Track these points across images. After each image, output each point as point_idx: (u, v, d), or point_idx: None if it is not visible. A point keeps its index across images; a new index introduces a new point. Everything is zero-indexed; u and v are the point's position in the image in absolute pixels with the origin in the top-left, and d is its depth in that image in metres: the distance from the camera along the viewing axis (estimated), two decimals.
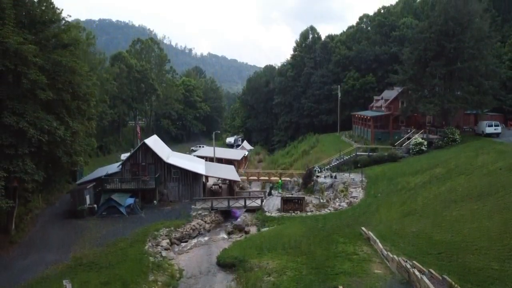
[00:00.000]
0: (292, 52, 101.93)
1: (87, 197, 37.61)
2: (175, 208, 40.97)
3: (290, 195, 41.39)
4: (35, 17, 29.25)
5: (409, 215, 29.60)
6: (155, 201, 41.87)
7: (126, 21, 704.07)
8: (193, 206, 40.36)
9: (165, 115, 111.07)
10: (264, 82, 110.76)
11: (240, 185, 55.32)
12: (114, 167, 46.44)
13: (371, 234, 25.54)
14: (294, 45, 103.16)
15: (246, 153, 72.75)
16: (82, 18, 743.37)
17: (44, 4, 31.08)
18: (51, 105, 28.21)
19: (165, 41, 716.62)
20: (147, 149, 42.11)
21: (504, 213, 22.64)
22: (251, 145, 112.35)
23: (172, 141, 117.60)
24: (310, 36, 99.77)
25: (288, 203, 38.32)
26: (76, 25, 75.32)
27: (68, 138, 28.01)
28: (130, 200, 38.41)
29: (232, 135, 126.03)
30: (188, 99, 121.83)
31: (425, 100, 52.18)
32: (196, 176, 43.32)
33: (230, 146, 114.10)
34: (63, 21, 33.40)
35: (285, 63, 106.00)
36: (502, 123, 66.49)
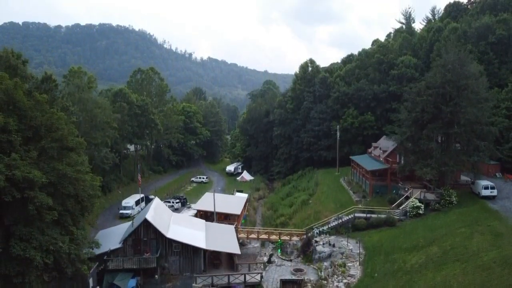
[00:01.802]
0: (292, 86, 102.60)
1: (90, 280, 38.37)
2: (176, 285, 41.79)
3: (290, 278, 42.07)
4: (40, 128, 30.00)
5: None
6: (156, 276, 42.67)
7: (126, 25, 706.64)
8: (194, 284, 41.15)
9: (166, 144, 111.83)
10: (264, 111, 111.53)
11: (240, 241, 56.14)
12: (116, 233, 47.25)
13: None
14: (294, 77, 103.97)
15: (246, 196, 73.40)
16: (83, 22, 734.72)
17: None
18: (56, 220, 28.98)
19: (165, 46, 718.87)
20: (148, 225, 42.91)
21: None
22: (251, 173, 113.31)
23: (173, 168, 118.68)
24: (310, 69, 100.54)
25: (287, 285, 39.09)
26: (79, 70, 76.46)
27: (73, 251, 28.82)
28: (133, 283, 39.20)
29: (232, 162, 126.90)
30: (189, 126, 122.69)
31: (422, 163, 52.93)
32: (196, 249, 44.11)
33: (230, 174, 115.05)
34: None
35: (285, 95, 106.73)
36: (499, 172, 67.60)
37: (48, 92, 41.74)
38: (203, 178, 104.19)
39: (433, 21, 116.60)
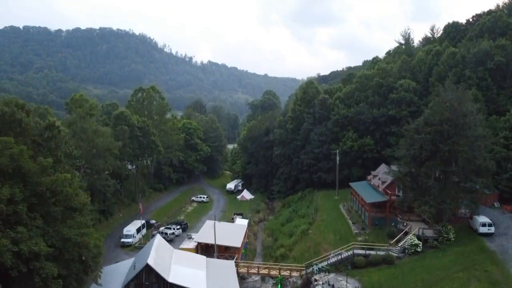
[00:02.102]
0: (292, 107, 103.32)
1: None
2: None
3: None
4: (45, 193, 30.63)
5: None
6: None
7: (126, 29, 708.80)
8: None
9: (166, 163, 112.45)
10: (264, 130, 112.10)
11: (241, 275, 56.78)
12: (118, 273, 47.84)
13: None
14: (294, 97, 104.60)
15: (246, 223, 73.96)
16: (83, 26, 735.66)
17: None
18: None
19: (165, 49, 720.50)
20: (150, 270, 43.48)
21: None
22: (251, 191, 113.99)
23: (173, 185, 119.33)
24: (310, 90, 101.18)
25: None
26: (80, 98, 77.18)
27: None
28: None
29: (232, 179, 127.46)
30: (189, 142, 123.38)
31: (421, 201, 53.55)
32: None
33: (231, 192, 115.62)
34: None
35: (285, 115, 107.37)
36: (497, 201, 68.18)
37: (51, 139, 42.33)
38: (204, 197, 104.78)
39: (432, 38, 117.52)
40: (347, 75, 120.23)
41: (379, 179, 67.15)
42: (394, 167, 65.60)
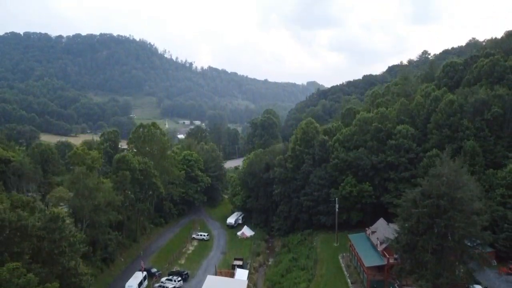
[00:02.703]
0: (292, 146, 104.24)
1: None
2: None
3: None
4: None
5: None
6: None
7: (126, 35, 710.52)
8: None
9: (167, 198, 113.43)
10: (264, 165, 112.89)
11: None
12: None
13: None
14: (294, 137, 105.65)
15: (246, 280, 74.85)
16: (84, 32, 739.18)
17: None
18: None
19: (165, 55, 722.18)
20: None
21: None
22: (251, 225, 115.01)
23: (174, 218, 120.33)
24: (309, 130, 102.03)
25: None
26: (83, 152, 78.14)
27: None
28: None
29: (233, 211, 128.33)
30: (190, 174, 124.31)
31: (418, 274, 54.47)
32: None
33: (231, 227, 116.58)
34: None
35: (284, 153, 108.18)
36: (493, 259, 69.14)
37: (56, 230, 43.34)
38: (204, 235, 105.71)
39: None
40: (346, 110, 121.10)
41: (377, 238, 68.04)
42: (392, 226, 66.67)
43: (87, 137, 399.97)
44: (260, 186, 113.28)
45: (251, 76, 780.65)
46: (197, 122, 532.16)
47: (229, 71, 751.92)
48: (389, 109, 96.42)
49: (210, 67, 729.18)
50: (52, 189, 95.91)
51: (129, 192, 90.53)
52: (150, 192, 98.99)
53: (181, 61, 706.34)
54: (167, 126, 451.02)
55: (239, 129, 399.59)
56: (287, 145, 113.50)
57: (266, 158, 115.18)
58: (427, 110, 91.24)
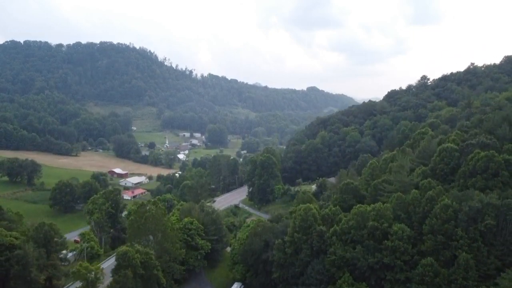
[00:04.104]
0: (290, 231, 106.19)
1: None
2: None
3: None
4: None
5: None
6: None
7: (127, 43, 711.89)
8: None
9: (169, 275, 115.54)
10: (263, 243, 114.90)
11: None
12: None
13: None
14: (292, 222, 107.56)
15: None
16: (84, 41, 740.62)
17: None
18: None
19: (165, 63, 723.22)
20: None
21: None
22: None
23: None
24: (308, 217, 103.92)
25: None
26: (85, 266, 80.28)
27: None
28: None
29: (234, 281, 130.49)
30: (190, 243, 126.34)
31: None
32: None
33: None
34: None
35: (284, 234, 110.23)
36: None
37: None
38: None
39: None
40: (344, 185, 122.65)
41: None
42: None
43: (88, 155, 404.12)
44: (259, 263, 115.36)
45: (251, 82, 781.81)
46: (197, 135, 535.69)
47: (229, 78, 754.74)
48: (385, 204, 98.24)
49: (210, 75, 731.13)
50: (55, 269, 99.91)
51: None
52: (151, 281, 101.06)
53: (181, 68, 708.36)
54: (167, 143, 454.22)
55: (239, 144, 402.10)
56: (287, 223, 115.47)
57: (266, 235, 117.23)
58: (423, 209, 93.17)
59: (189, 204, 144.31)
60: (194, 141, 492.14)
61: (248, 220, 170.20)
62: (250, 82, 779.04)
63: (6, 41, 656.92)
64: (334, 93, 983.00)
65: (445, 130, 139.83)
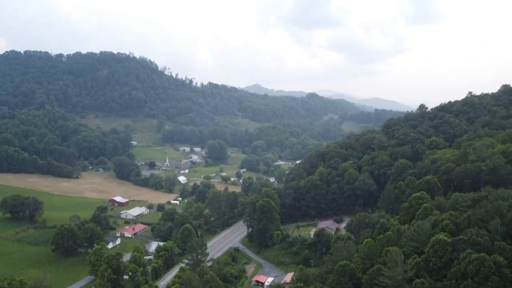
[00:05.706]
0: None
1: None
2: None
3: None
4: None
5: None
6: None
7: (126, 52, 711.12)
8: None
9: None
10: None
11: None
12: None
13: None
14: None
15: None
16: (84, 51, 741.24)
17: None
18: None
19: (165, 72, 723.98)
20: None
21: None
22: None
23: None
24: None
25: None
26: None
27: None
28: None
29: None
30: None
31: None
32: None
33: None
34: None
35: None
36: None
37: None
38: None
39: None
40: (341, 267, 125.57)
41: None
42: None
43: (88, 176, 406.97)
44: None
45: (251, 90, 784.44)
46: (197, 149, 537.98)
47: (228, 86, 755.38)
48: None
49: (210, 83, 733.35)
50: None
51: None
52: None
53: (181, 78, 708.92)
54: (167, 162, 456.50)
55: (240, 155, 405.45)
56: None
57: None
58: None
59: (189, 274, 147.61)
60: (194, 157, 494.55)
61: (249, 271, 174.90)
62: (250, 82, 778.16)
63: (6, 51, 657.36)
64: (333, 99, 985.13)
65: (439, 203, 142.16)
